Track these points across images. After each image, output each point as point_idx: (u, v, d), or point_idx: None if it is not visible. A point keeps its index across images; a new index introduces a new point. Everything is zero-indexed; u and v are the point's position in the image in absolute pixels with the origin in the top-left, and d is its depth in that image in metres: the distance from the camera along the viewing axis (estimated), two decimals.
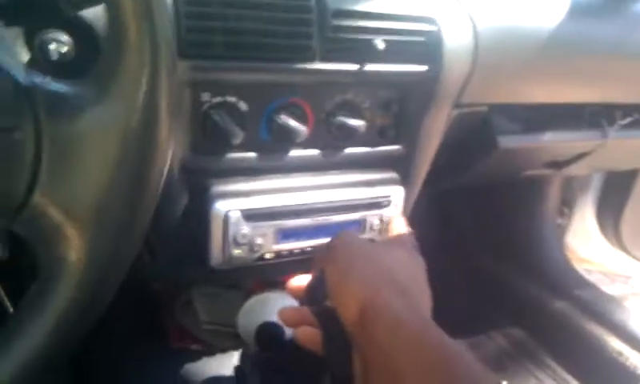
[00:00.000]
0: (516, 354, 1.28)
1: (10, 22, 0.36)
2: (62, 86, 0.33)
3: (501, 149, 0.83)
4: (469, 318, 1.35)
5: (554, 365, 1.24)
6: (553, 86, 0.83)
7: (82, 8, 0.43)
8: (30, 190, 0.32)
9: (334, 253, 0.53)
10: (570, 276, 1.38)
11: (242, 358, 0.72)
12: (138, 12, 0.31)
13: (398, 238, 0.60)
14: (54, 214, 0.33)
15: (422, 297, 0.52)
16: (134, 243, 0.37)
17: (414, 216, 0.75)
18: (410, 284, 0.51)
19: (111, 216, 0.34)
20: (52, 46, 0.46)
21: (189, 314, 0.87)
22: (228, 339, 0.84)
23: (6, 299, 0.62)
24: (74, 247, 0.34)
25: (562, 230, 1.57)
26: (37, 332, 0.34)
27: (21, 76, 0.31)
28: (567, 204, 1.58)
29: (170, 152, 0.37)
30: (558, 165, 1.01)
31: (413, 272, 0.54)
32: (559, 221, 1.56)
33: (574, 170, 1.05)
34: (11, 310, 0.61)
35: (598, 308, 1.25)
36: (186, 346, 0.86)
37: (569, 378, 1.20)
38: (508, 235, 1.40)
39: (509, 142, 0.84)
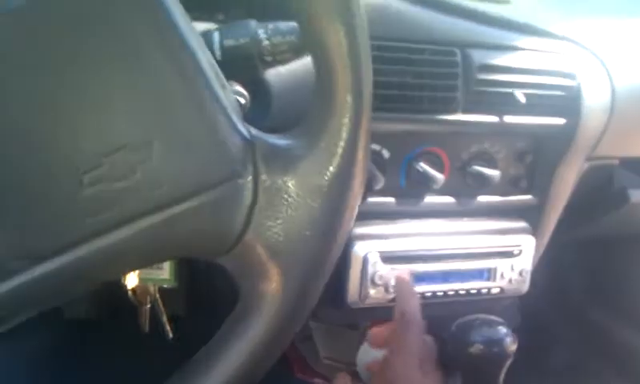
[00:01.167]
0: None
1: None
2: (277, 140, 0.37)
3: (632, 202, 0.82)
4: (579, 373, 1.31)
5: None
6: None
7: (275, 66, 0.48)
8: (244, 229, 0.36)
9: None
10: None
11: None
12: (349, 80, 0.35)
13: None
14: (261, 251, 0.37)
15: None
16: (323, 281, 0.40)
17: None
18: None
19: (309, 255, 0.38)
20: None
21: (309, 348, 0.90)
22: None
23: (167, 324, 0.67)
24: (275, 282, 0.38)
25: None
26: (236, 358, 0.38)
27: (244, 129, 0.36)
28: None
29: (361, 196, 0.40)
30: None
31: None
32: None
33: None
34: (171, 335, 0.67)
35: None
36: (307, 378, 0.89)
37: None
38: (621, 290, 1.35)
39: None
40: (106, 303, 0.77)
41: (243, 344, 0.38)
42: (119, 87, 0.31)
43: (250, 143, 0.35)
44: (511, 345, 0.59)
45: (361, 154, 0.37)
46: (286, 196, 0.36)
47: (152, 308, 0.66)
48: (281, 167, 0.36)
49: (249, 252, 0.37)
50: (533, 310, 0.99)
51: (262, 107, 0.55)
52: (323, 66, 0.36)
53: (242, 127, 0.36)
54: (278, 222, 0.37)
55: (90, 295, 0.78)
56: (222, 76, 0.37)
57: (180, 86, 0.32)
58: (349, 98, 0.36)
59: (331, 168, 0.37)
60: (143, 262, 0.37)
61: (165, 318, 0.67)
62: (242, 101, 0.52)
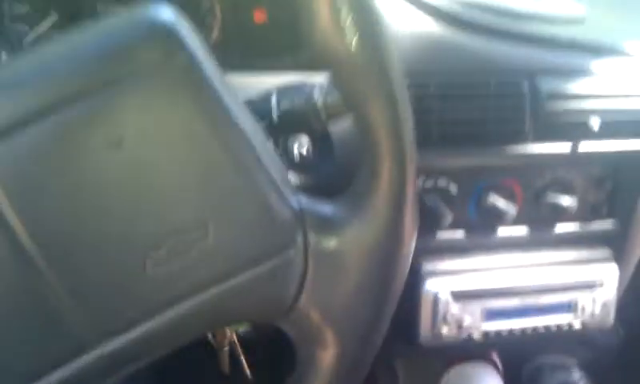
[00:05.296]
0: None
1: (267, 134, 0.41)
2: (325, 208, 0.38)
3: None
4: None
5: None
6: None
7: (329, 124, 0.49)
8: (298, 295, 0.37)
9: None
10: None
11: None
12: (392, 145, 0.35)
13: None
14: (315, 316, 0.38)
15: None
16: (378, 342, 0.40)
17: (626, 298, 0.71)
18: None
19: (362, 319, 0.38)
20: (295, 147, 0.53)
21: (390, 379, 0.89)
22: None
23: (246, 366, 0.70)
24: (329, 346, 0.38)
25: None
26: None
27: (293, 201, 0.36)
28: None
29: (411, 257, 0.40)
30: None
31: None
32: None
33: None
34: (250, 376, 0.69)
35: None
36: None
37: None
38: None
39: None
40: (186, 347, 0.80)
41: None
42: (174, 172, 0.32)
43: (299, 215, 0.36)
44: None
45: (408, 216, 0.37)
46: (335, 261, 0.37)
47: (230, 351, 0.68)
48: (329, 234, 0.37)
49: (303, 317, 0.38)
50: None
51: (325, 153, 0.55)
52: (365, 131, 0.36)
53: (292, 200, 0.36)
54: (330, 287, 0.37)
55: None
56: (271, 149, 0.37)
57: (230, 168, 0.33)
58: (392, 163, 0.36)
59: (379, 231, 0.37)
60: (205, 329, 0.38)
61: (243, 359, 0.70)
62: (303, 149, 0.53)
